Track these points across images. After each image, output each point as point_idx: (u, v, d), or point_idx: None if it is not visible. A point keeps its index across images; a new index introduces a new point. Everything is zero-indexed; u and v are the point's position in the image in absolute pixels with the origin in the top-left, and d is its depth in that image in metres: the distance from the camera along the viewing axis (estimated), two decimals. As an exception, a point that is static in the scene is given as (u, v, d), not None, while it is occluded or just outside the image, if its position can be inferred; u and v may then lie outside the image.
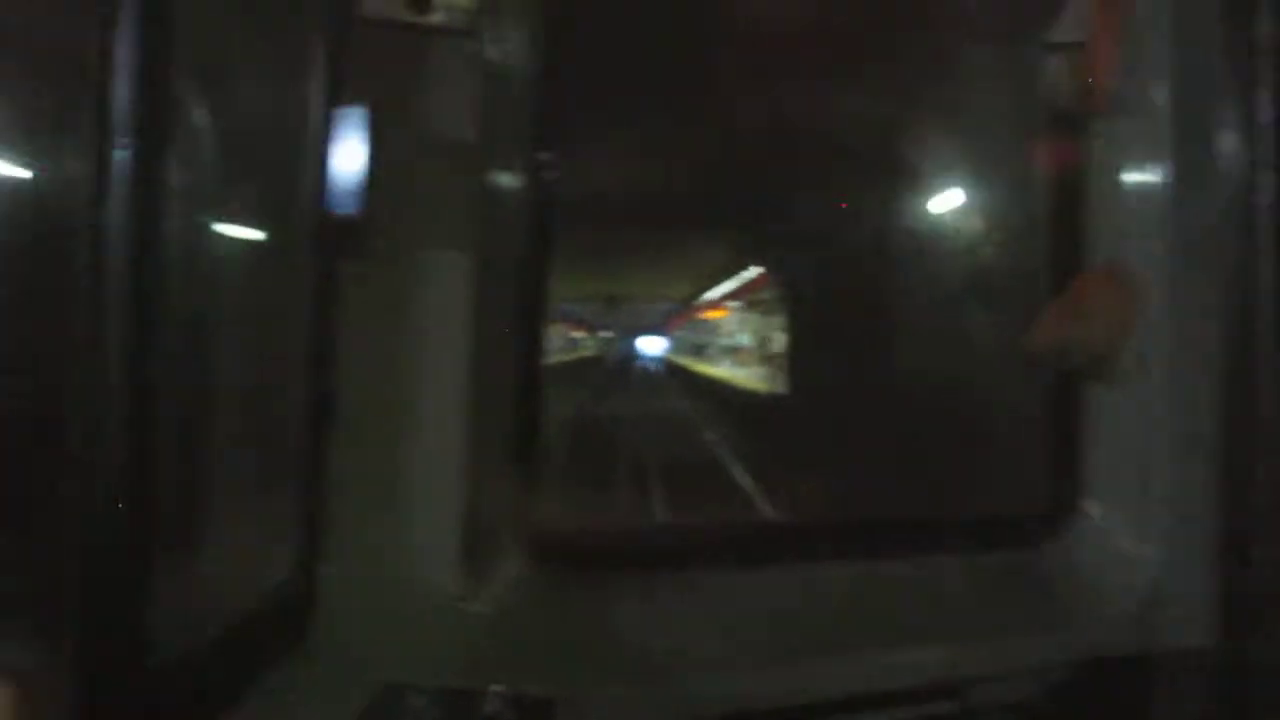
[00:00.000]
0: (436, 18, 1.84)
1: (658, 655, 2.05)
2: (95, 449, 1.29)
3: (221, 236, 1.78)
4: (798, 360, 13.78)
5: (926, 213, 5.57)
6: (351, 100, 1.82)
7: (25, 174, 1.45)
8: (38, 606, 1.36)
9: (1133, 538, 2.33)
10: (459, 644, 1.93)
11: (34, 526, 1.36)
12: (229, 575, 1.81)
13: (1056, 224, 2.53)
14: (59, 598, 1.30)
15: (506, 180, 2.12)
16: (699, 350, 63.66)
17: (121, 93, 1.24)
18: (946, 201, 5.36)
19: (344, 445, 1.84)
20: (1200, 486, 2.13)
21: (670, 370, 53.56)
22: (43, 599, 1.35)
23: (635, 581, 2.17)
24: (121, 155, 1.24)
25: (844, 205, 7.55)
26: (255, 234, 1.85)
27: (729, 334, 46.92)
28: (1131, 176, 2.34)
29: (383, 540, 1.89)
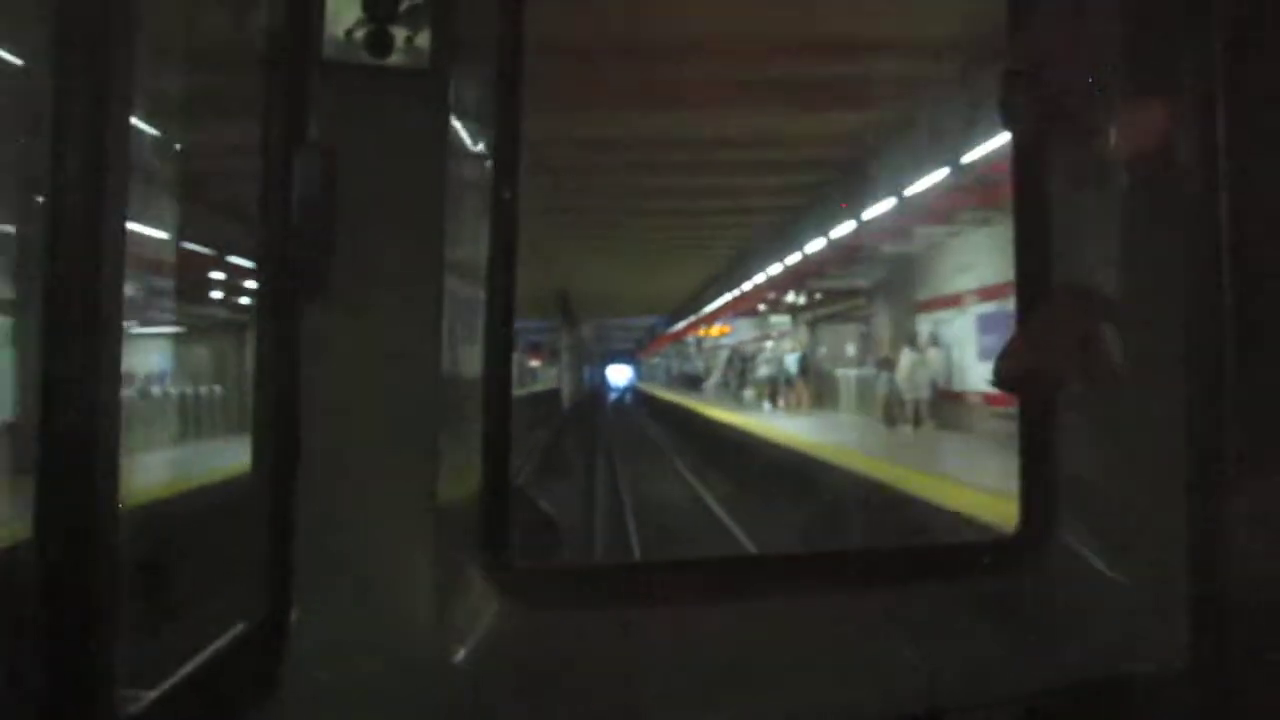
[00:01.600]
0: (395, 59, 1.85)
1: (636, 693, 2.04)
2: (62, 492, 1.28)
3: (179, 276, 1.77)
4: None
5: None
6: (312, 140, 1.82)
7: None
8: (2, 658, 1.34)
9: (1106, 560, 2.34)
10: (432, 686, 1.91)
11: None
12: (196, 622, 1.78)
13: (1021, 247, 2.54)
14: (23, 648, 1.28)
15: (468, 217, 2.13)
16: (690, 382, 63.07)
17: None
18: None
19: (310, 484, 1.83)
20: (1171, 507, 2.14)
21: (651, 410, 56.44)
22: (6, 651, 1.33)
23: (613, 619, 2.16)
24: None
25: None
26: (216, 273, 1.84)
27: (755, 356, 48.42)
28: (1091, 197, 2.37)
29: (352, 584, 1.87)
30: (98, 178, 1.28)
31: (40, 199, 1.25)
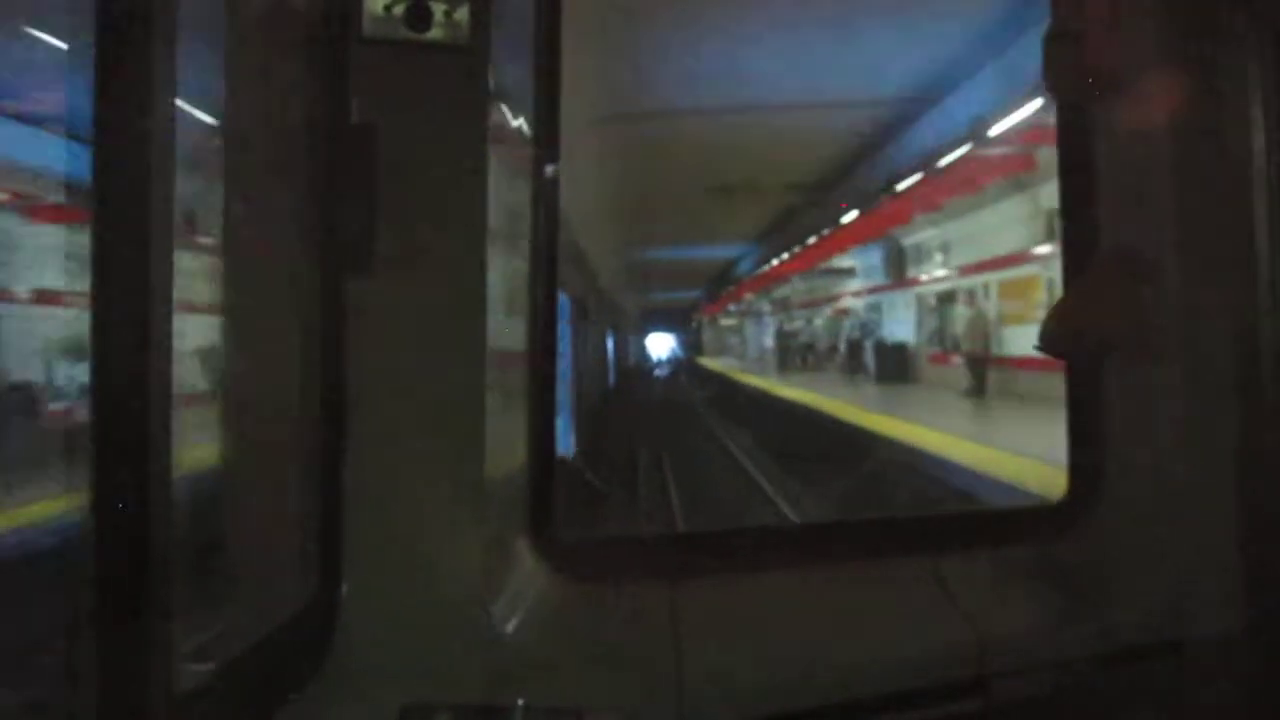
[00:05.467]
0: (435, 34, 1.85)
1: (684, 663, 2.04)
2: (120, 467, 1.30)
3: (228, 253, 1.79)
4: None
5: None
6: (353, 116, 1.83)
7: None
8: (61, 637, 1.37)
9: (1155, 525, 2.32)
10: (482, 660, 1.93)
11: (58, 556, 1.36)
12: (249, 600, 1.81)
13: (1067, 212, 2.52)
14: (81, 627, 1.30)
15: (509, 191, 2.13)
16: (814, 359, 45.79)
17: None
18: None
19: (359, 463, 1.85)
20: (1220, 470, 2.12)
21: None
22: (66, 629, 1.35)
23: (660, 590, 2.17)
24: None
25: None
26: (263, 252, 1.85)
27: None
28: (1137, 162, 2.34)
29: (402, 560, 1.89)
30: (144, 162, 1.29)
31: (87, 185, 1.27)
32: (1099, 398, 2.44)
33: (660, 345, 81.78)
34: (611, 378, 42.74)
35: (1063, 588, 2.34)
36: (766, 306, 61.34)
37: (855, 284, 41.50)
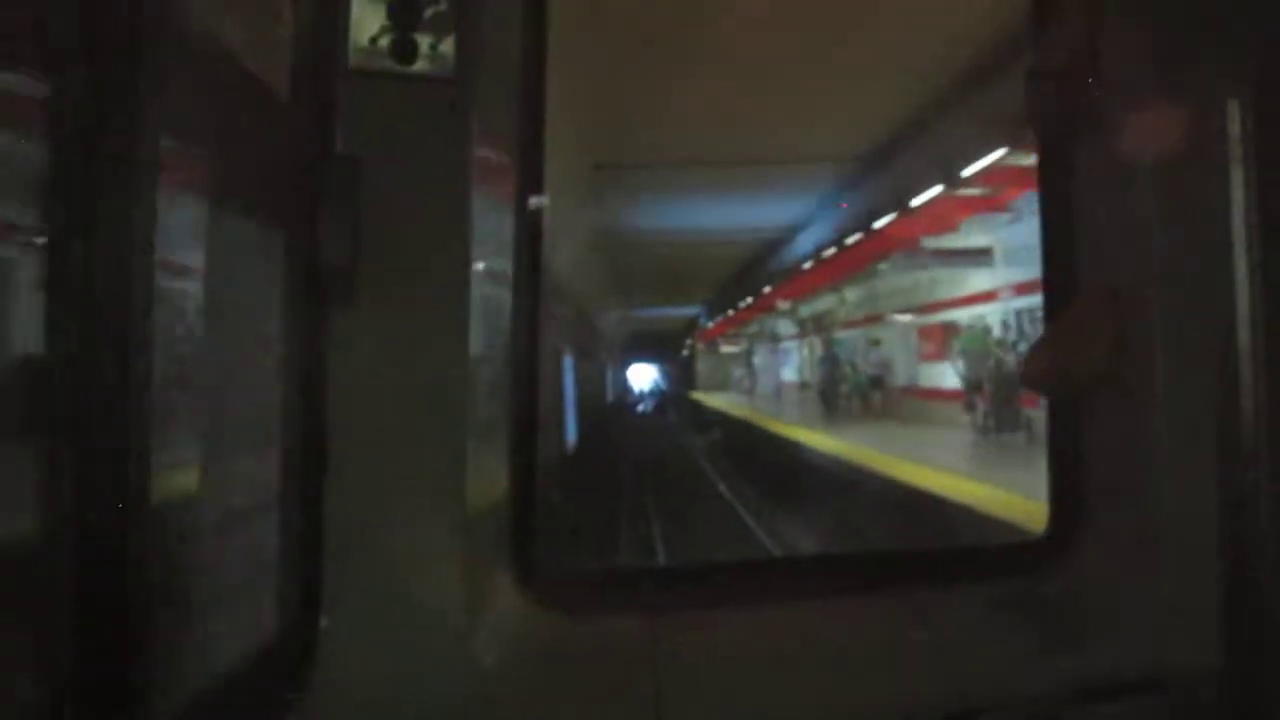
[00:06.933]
0: (420, 66, 1.86)
1: (665, 698, 2.03)
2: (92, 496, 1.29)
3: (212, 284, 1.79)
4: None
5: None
6: (338, 147, 1.83)
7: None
8: (34, 665, 1.35)
9: (1137, 561, 2.32)
10: (462, 693, 1.91)
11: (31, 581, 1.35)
12: (228, 631, 1.79)
13: (1048, 248, 2.53)
14: (55, 656, 1.29)
15: (493, 223, 2.13)
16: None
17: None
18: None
19: (340, 495, 1.84)
20: (1201, 506, 2.13)
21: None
22: (39, 657, 1.34)
23: (641, 624, 2.16)
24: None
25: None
26: (246, 282, 1.85)
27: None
28: (1117, 198, 2.35)
29: (382, 591, 1.88)
30: (128, 191, 1.29)
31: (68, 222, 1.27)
32: (1080, 433, 2.44)
33: (645, 376, 70.60)
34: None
35: (1044, 623, 2.34)
36: (784, 327, 48.44)
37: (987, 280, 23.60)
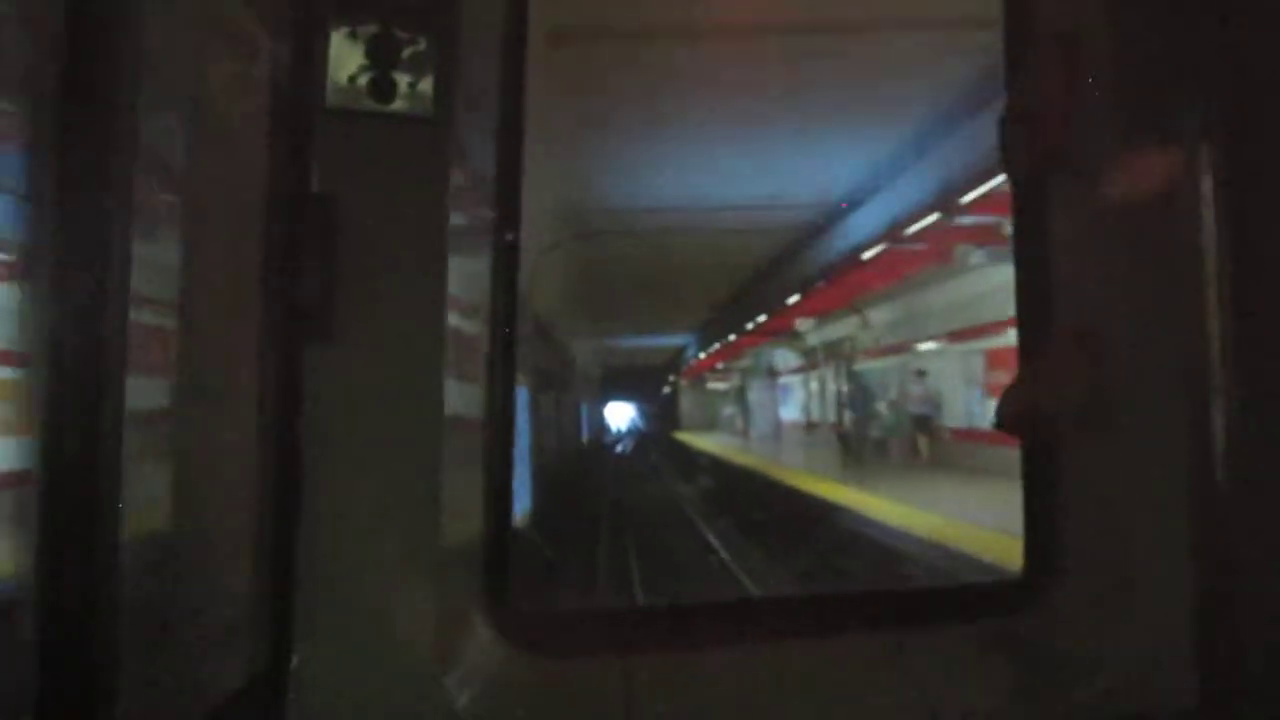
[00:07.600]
0: (398, 105, 1.86)
1: None
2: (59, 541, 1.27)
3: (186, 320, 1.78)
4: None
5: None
6: (316, 185, 1.83)
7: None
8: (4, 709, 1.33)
9: (1113, 600, 2.32)
10: None
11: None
12: (199, 672, 1.77)
13: (1022, 290, 2.54)
14: (19, 699, 1.27)
15: (470, 261, 2.13)
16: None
17: None
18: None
19: (312, 534, 1.83)
20: (1178, 546, 2.13)
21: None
22: (7, 702, 1.32)
23: (615, 664, 2.14)
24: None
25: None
26: (222, 319, 1.84)
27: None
28: (1091, 240, 2.37)
29: (354, 629, 1.86)
30: (102, 227, 1.28)
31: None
32: (1055, 474, 2.45)
33: (623, 415, 65.49)
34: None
35: (1021, 663, 2.34)
36: (783, 359, 43.43)
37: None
